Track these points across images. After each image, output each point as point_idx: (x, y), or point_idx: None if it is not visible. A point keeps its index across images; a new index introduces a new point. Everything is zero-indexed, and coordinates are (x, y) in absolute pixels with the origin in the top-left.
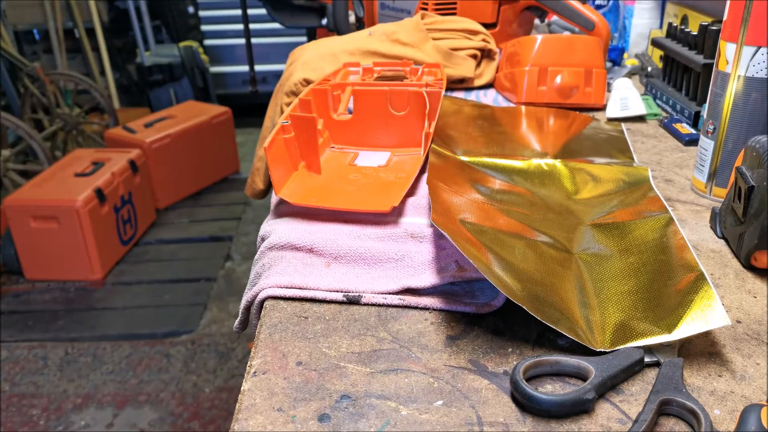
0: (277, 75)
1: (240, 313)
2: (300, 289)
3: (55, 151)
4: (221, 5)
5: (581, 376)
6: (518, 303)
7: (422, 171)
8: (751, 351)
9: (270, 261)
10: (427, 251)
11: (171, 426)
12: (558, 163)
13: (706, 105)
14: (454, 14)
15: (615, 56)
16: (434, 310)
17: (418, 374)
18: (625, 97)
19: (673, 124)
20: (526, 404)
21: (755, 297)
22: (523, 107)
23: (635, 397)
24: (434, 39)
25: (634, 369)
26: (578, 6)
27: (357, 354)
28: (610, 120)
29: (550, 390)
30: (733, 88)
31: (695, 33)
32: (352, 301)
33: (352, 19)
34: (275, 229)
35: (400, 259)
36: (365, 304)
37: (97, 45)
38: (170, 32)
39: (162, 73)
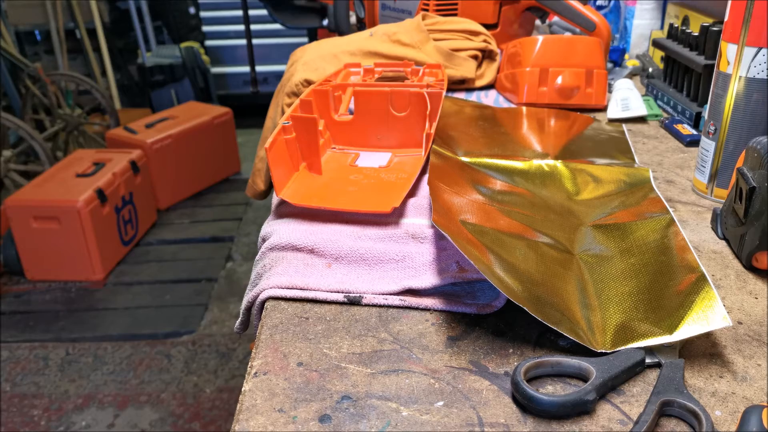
0: (278, 76)
1: (241, 313)
2: (301, 289)
3: (57, 151)
4: (222, 6)
5: (582, 377)
6: (519, 304)
7: (423, 172)
8: (752, 352)
9: (271, 262)
10: (428, 252)
11: (172, 426)
12: (559, 164)
13: (707, 106)
14: (455, 15)
15: (616, 57)
16: (435, 310)
17: (419, 375)
18: (626, 97)
19: (674, 125)
20: (527, 405)
21: (756, 298)
22: (524, 108)
23: (636, 398)
24: (435, 40)
25: (635, 370)
26: (579, 7)
27: (358, 355)
28: (611, 121)
29: (551, 391)
30: (734, 89)
31: (696, 34)
32: (353, 301)
33: (353, 19)
34: (276, 230)
35: (401, 259)
36: (366, 305)
37: (98, 45)
38: (171, 33)
39: (163, 74)
